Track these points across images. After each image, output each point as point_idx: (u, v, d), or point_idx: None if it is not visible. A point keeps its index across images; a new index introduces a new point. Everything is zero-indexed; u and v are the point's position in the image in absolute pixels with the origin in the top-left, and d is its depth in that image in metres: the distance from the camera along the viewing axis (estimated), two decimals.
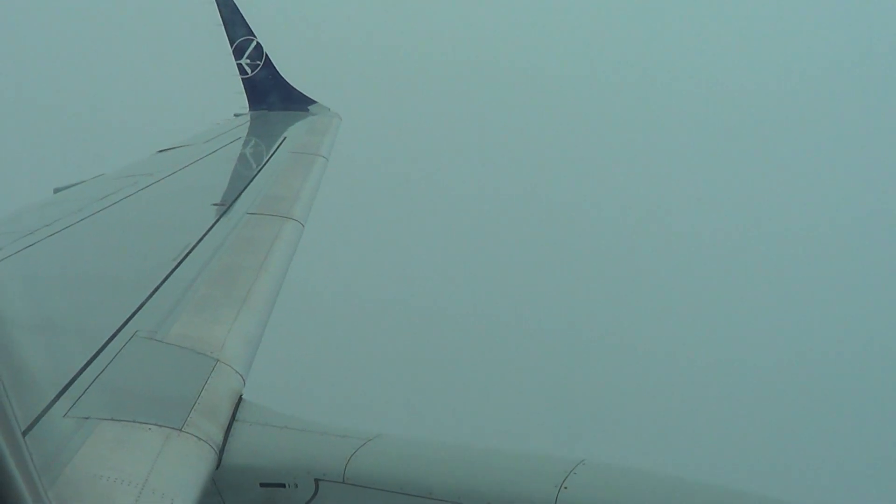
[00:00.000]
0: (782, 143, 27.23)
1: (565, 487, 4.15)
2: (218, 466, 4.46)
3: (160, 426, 4.33)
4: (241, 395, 5.02)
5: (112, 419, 4.27)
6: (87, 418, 4.22)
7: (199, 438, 4.41)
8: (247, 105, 14.09)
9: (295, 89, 14.08)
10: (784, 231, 25.90)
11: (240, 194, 8.34)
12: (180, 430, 4.37)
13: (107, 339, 5.06)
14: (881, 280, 23.84)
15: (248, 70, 13.66)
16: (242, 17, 14.18)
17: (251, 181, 8.98)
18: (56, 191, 9.33)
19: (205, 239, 6.92)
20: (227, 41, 13.90)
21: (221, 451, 4.54)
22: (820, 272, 24.30)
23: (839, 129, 29.51)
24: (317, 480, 4.49)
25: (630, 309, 22.47)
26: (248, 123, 12.82)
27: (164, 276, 6.08)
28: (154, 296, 5.77)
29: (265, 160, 10.00)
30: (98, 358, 4.82)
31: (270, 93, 13.92)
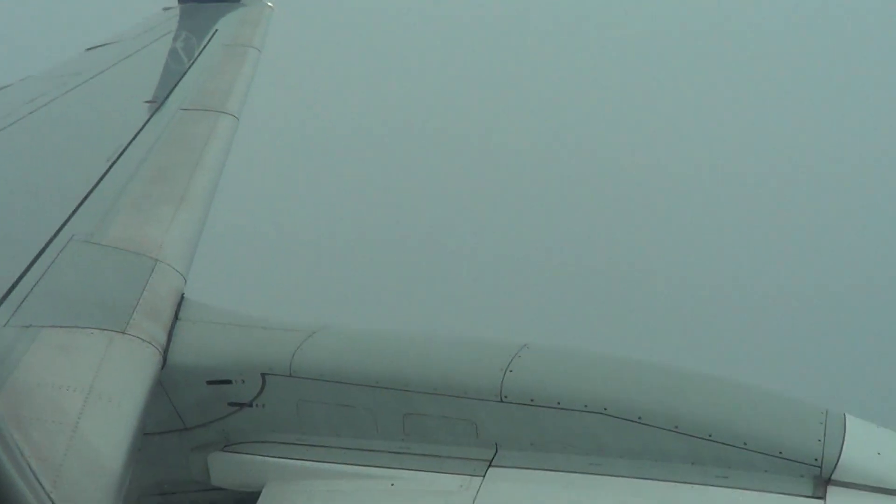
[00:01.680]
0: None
1: (510, 371, 4.22)
2: (163, 367, 4.47)
3: (103, 330, 4.31)
4: (182, 294, 5.01)
5: (53, 326, 4.24)
6: (28, 326, 4.19)
7: (143, 340, 4.40)
8: None
9: None
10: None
11: (172, 90, 8.16)
12: (123, 332, 4.35)
13: (43, 244, 4.99)
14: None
15: None
16: None
17: (183, 76, 8.78)
18: None
19: (138, 137, 6.79)
20: None
21: (166, 351, 4.54)
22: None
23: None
24: (263, 375, 4.52)
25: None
26: (178, 17, 12.48)
27: (98, 178, 5.97)
28: (89, 198, 5.67)
29: (196, 54, 9.77)
30: (35, 264, 4.77)
31: None
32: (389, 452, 4.33)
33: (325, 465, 4.35)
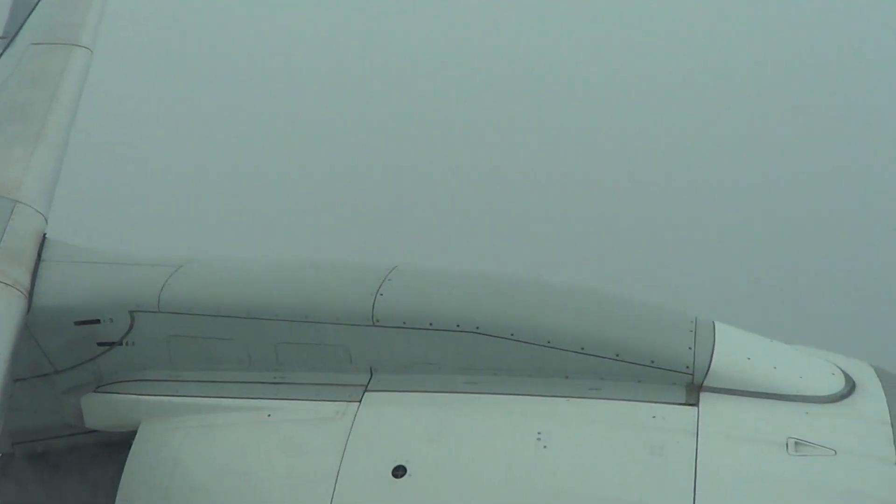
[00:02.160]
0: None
1: (381, 294, 4.22)
2: (29, 310, 4.36)
3: None
4: (44, 235, 4.87)
5: None
6: None
7: (6, 284, 4.27)
8: None
9: None
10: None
11: (22, 25, 7.85)
12: None
13: None
14: None
15: None
16: None
17: (33, 10, 8.43)
18: None
19: None
20: None
21: (31, 294, 4.42)
22: None
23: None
24: (132, 312, 4.43)
25: None
26: None
27: None
28: None
29: None
30: None
31: None
32: (264, 383, 4.28)
33: (200, 399, 4.29)
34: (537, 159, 10.42)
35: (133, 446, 4.25)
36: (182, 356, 4.45)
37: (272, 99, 10.96)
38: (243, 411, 4.20)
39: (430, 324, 4.13)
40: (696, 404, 3.89)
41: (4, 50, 7.13)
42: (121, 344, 4.47)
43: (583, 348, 4.02)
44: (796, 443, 3.72)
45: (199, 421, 4.22)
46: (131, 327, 4.44)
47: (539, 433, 3.84)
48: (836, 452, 3.68)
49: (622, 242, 10.29)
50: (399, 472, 3.83)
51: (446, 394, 4.07)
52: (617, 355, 4.00)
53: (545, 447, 3.80)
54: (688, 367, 3.97)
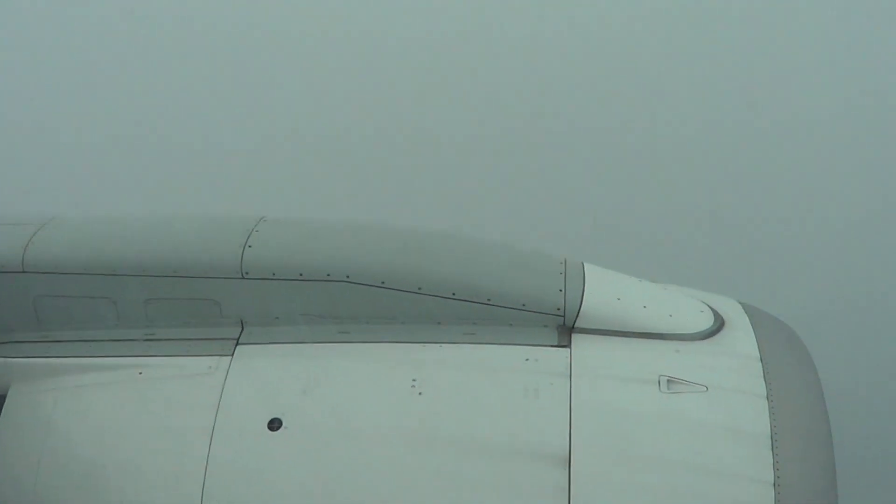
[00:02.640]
0: None
1: (249, 246, 4.15)
2: None
3: None
4: None
5: None
6: None
7: None
8: None
9: None
10: None
11: None
12: None
13: None
14: None
15: None
16: None
17: None
18: None
19: None
20: None
21: None
22: None
23: None
24: None
25: None
26: None
27: None
28: None
29: None
30: None
31: None
32: (135, 341, 4.20)
33: (70, 360, 4.18)
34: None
35: (3, 410, 4.14)
36: (50, 316, 4.33)
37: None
38: (114, 370, 4.12)
39: (301, 274, 4.08)
40: (568, 346, 3.94)
41: None
42: None
43: (454, 294, 4.03)
44: (668, 380, 3.79)
45: (70, 382, 4.12)
46: None
47: (413, 380, 3.84)
48: (707, 389, 3.76)
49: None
50: (275, 424, 3.80)
51: (319, 344, 4.05)
52: (488, 300, 4.02)
53: (420, 394, 3.80)
54: (559, 308, 4.01)
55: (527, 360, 3.87)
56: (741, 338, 4.06)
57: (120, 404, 4.03)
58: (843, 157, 9.81)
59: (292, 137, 10.32)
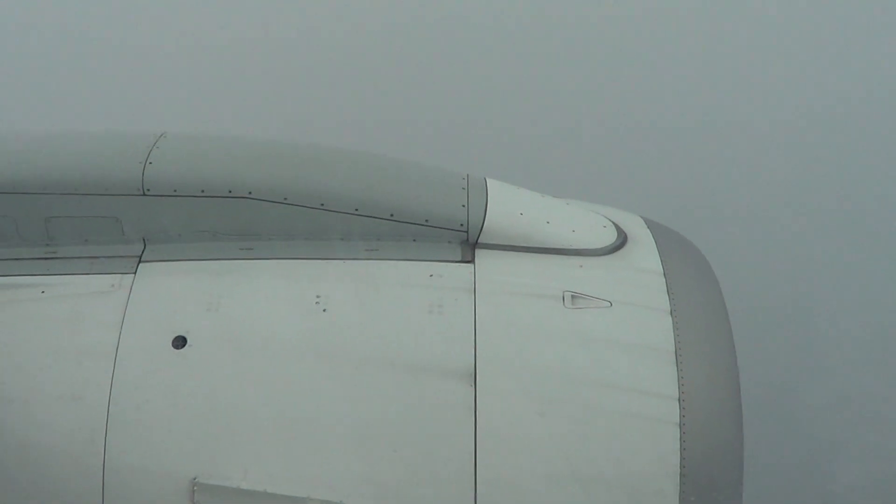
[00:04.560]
0: None
1: (150, 163, 4.07)
2: None
3: None
4: None
5: None
6: None
7: None
8: None
9: None
10: None
11: None
12: None
13: None
14: None
15: None
16: None
17: None
18: None
19: None
20: None
21: None
22: None
23: None
24: None
25: None
26: None
27: None
28: None
29: None
30: None
31: None
32: (36, 259, 4.13)
33: None
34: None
35: None
36: None
37: None
38: (15, 289, 4.05)
39: (202, 190, 4.03)
40: (471, 261, 3.96)
41: None
42: None
43: (357, 210, 4.02)
44: (573, 296, 3.83)
45: None
46: None
47: (318, 296, 3.85)
48: (611, 304, 3.81)
49: None
50: (179, 342, 3.78)
51: (222, 261, 4.02)
52: (392, 216, 4.01)
53: (324, 310, 3.81)
54: (462, 224, 4.02)
55: (431, 275, 3.89)
56: (644, 253, 4.11)
57: (21, 323, 3.97)
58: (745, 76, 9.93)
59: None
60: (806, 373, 8.36)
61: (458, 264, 3.94)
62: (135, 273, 4.00)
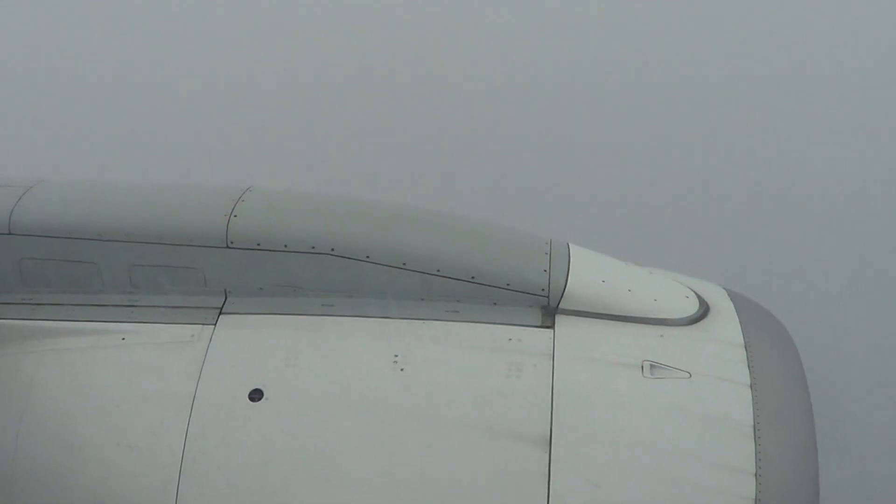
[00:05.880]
0: None
1: (235, 215, 4.14)
2: None
3: None
4: None
5: None
6: None
7: None
8: None
9: None
10: None
11: None
12: None
13: None
14: None
15: None
16: None
17: None
18: None
19: None
20: None
21: None
22: None
23: None
24: None
25: None
26: None
27: None
28: None
29: None
30: None
31: None
32: (118, 306, 4.20)
33: (53, 323, 4.17)
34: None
35: None
36: (34, 279, 4.32)
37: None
38: (97, 335, 4.11)
39: (285, 245, 4.07)
40: (551, 327, 3.93)
41: None
42: None
43: (439, 270, 4.02)
44: (651, 365, 3.78)
45: (53, 345, 4.12)
46: None
47: (396, 356, 3.84)
48: (690, 375, 3.76)
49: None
50: (256, 395, 3.80)
51: (302, 316, 4.04)
52: (473, 278, 4.01)
53: (402, 370, 3.80)
54: (543, 289, 4.00)
55: (510, 339, 3.87)
56: (726, 325, 4.05)
57: (102, 369, 4.03)
58: (832, 145, 9.80)
59: (284, 112, 10.29)
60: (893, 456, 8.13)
61: (537, 329, 3.91)
62: (215, 324, 4.04)
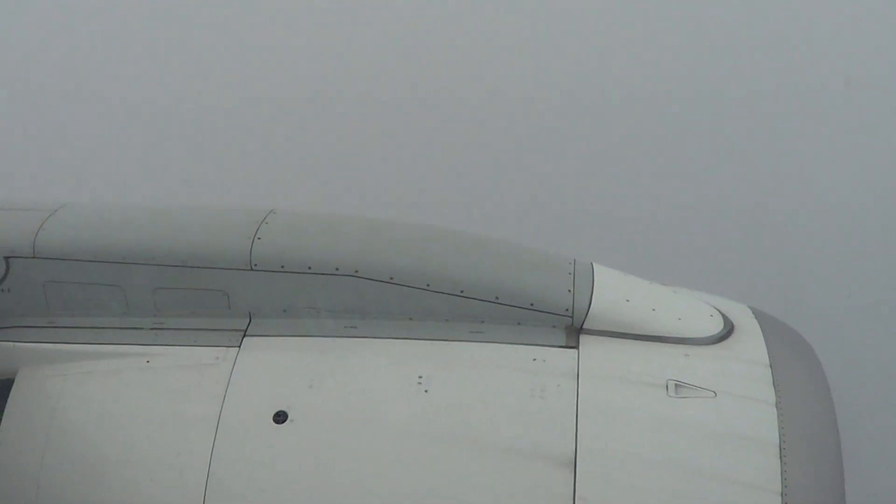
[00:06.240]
0: None
1: (259, 238, 4.15)
2: None
3: None
4: None
5: None
6: None
7: None
8: None
9: None
10: None
11: None
12: None
13: None
14: None
15: None
16: None
17: None
18: None
19: None
20: None
21: None
22: None
23: None
24: (6, 258, 4.31)
25: None
26: None
27: None
28: None
29: None
30: None
31: None
32: (143, 329, 4.21)
33: (78, 346, 4.19)
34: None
35: (11, 393, 4.15)
36: (59, 302, 4.35)
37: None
38: (122, 357, 4.13)
39: (309, 267, 4.08)
40: (576, 347, 3.92)
41: None
42: None
43: (462, 291, 4.02)
44: (676, 385, 3.76)
45: (78, 368, 4.14)
46: (6, 273, 4.32)
47: (420, 377, 3.84)
48: (716, 394, 3.73)
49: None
50: (280, 417, 3.80)
51: (326, 338, 4.04)
52: (497, 298, 4.00)
53: (426, 391, 3.79)
54: (567, 309, 3.99)
55: (534, 360, 3.86)
56: (751, 343, 4.03)
57: (126, 392, 4.04)
58: (857, 160, 9.76)
59: (302, 133, 10.33)
60: None
61: (562, 349, 3.90)
62: (239, 347, 4.05)
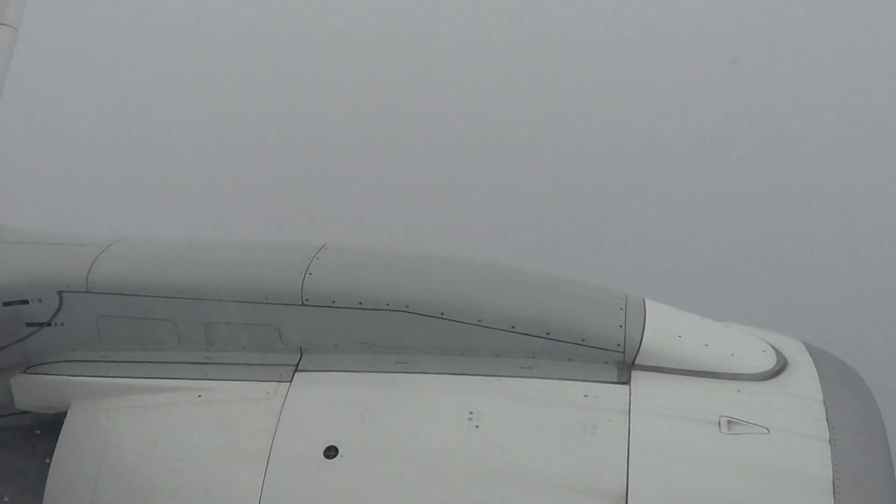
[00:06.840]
0: None
1: (310, 273, 4.18)
2: None
3: None
4: None
5: None
6: None
7: None
8: None
9: None
10: None
11: None
12: None
13: None
14: None
15: None
16: None
17: None
18: None
19: None
20: None
21: None
22: None
23: None
24: (60, 293, 4.36)
25: None
26: None
27: None
28: None
29: None
30: None
31: None
32: (194, 363, 4.25)
33: (130, 380, 4.23)
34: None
35: (63, 427, 4.19)
36: (111, 336, 4.40)
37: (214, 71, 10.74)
38: (173, 392, 4.16)
39: (360, 303, 4.10)
40: (627, 382, 3.89)
41: None
42: (49, 325, 4.41)
43: (513, 327, 4.01)
44: (729, 421, 3.72)
45: (129, 402, 4.17)
46: (60, 308, 4.37)
47: (471, 413, 3.82)
48: (769, 431, 3.69)
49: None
50: (331, 452, 3.80)
51: (377, 373, 4.04)
52: (548, 334, 3.99)
53: (477, 427, 3.78)
54: (619, 345, 3.97)
55: (585, 395, 3.84)
56: (804, 379, 3.97)
57: (178, 426, 4.06)
58: None
59: (353, 169, 10.39)
60: None
61: (613, 385, 3.87)
62: (290, 382, 4.06)
